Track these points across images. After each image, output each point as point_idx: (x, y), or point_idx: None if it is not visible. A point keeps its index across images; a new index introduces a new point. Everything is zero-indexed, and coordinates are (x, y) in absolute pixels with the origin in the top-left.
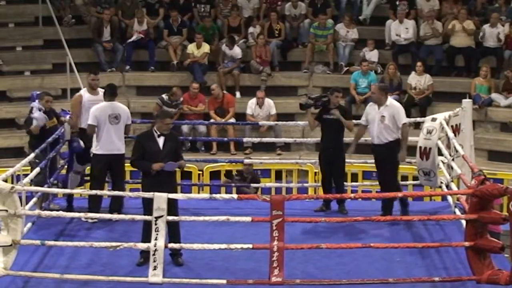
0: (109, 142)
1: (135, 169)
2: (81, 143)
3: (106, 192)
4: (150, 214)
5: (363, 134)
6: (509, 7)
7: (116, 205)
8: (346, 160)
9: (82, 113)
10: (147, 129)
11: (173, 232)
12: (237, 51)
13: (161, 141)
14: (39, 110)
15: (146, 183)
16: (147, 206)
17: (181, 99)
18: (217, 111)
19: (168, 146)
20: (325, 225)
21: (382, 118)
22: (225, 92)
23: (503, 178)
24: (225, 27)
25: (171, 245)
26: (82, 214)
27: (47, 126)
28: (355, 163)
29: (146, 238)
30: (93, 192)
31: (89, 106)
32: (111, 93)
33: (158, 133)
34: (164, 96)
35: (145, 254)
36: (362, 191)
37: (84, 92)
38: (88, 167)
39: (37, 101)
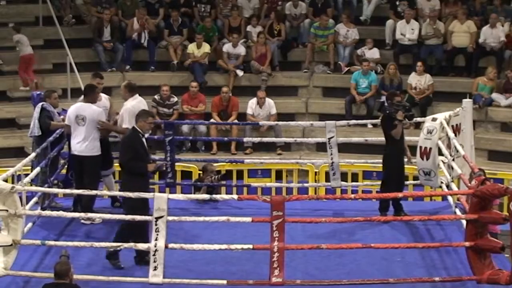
0: (74, 143)
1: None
2: None
3: (106, 192)
4: (143, 214)
5: None
6: (506, 7)
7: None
8: (346, 160)
9: None
10: (130, 132)
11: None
12: (241, 49)
13: (144, 141)
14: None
15: (139, 184)
16: (139, 206)
17: (176, 99)
18: (221, 113)
19: (148, 145)
20: (325, 225)
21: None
22: (231, 95)
23: (503, 178)
24: (225, 27)
25: (171, 245)
26: (82, 214)
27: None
28: (355, 163)
29: (141, 238)
30: (93, 192)
31: None
32: (85, 93)
33: (142, 133)
34: (156, 96)
35: (142, 253)
36: (362, 191)
37: None
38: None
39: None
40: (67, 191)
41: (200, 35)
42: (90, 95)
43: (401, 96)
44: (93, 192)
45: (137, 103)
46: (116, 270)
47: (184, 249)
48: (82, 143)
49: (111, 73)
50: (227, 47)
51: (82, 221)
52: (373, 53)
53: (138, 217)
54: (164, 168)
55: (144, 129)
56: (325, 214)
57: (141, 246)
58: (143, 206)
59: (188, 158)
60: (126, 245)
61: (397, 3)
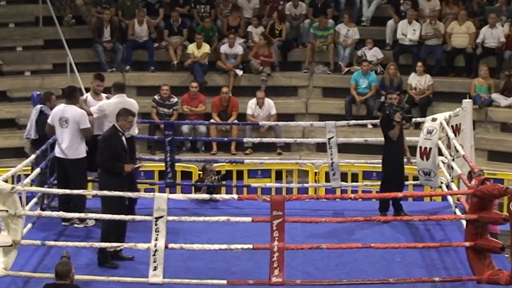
0: (59, 146)
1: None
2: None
3: (107, 192)
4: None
5: None
6: (509, 7)
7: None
8: (346, 161)
9: None
10: (110, 130)
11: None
12: (238, 48)
13: (124, 140)
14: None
15: (115, 183)
16: (115, 205)
17: (176, 99)
18: (221, 114)
19: (129, 145)
20: (325, 225)
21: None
22: (231, 95)
23: (503, 178)
24: (225, 27)
25: (171, 245)
26: (82, 215)
27: None
28: (355, 163)
29: (116, 237)
30: (93, 192)
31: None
32: (67, 95)
33: (122, 132)
34: (156, 96)
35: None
36: (362, 191)
37: (89, 97)
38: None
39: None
40: (67, 191)
41: (200, 35)
42: (72, 96)
43: (400, 95)
44: (92, 192)
45: (115, 103)
46: (116, 270)
47: (184, 249)
48: (67, 146)
49: (111, 73)
50: (224, 48)
51: (75, 225)
52: (376, 53)
53: (139, 217)
54: (138, 166)
55: (125, 128)
56: (325, 214)
57: (141, 246)
58: (119, 206)
59: (188, 158)
60: (126, 245)
61: (401, 1)
